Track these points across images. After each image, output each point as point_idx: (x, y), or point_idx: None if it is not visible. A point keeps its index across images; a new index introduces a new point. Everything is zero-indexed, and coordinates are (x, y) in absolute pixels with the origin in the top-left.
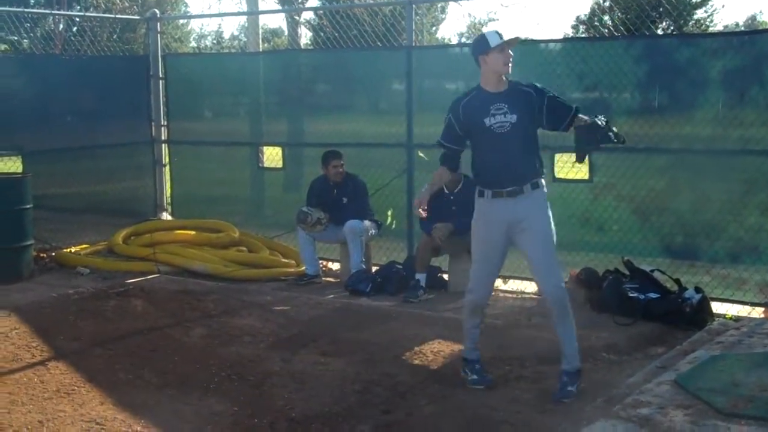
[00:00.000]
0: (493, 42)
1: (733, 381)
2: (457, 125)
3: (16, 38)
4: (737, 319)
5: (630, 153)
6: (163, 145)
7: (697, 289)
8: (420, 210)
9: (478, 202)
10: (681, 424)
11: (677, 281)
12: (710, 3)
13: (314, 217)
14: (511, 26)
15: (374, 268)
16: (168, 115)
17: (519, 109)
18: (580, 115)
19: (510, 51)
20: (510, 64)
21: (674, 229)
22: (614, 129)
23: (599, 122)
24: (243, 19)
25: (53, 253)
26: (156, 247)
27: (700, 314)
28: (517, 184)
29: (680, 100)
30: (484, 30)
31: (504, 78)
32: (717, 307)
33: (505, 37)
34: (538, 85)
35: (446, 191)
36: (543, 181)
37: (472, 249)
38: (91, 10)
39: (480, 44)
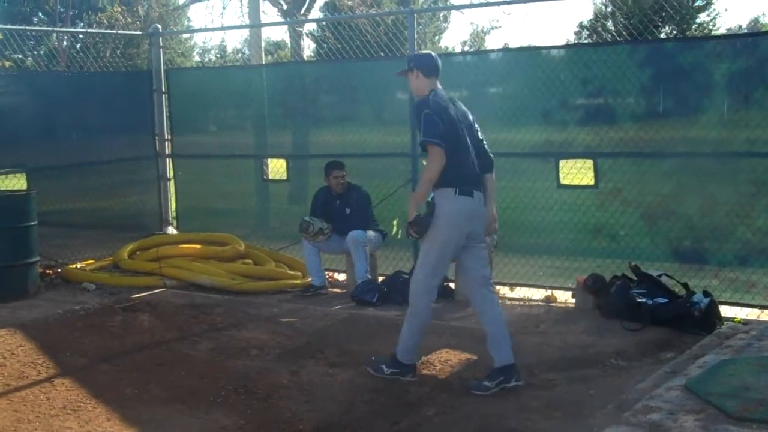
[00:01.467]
0: None
1: (744, 385)
2: None
3: (20, 56)
4: (746, 322)
5: (636, 158)
6: (168, 159)
7: (706, 293)
8: None
9: None
10: (692, 430)
11: (685, 285)
12: (713, 7)
13: (316, 226)
14: (514, 33)
15: (380, 278)
16: (172, 129)
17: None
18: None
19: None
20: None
21: (681, 233)
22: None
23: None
24: (246, 32)
25: (59, 270)
26: (162, 261)
27: (709, 318)
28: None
29: (685, 103)
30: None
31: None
32: (726, 311)
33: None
34: (425, 104)
35: None
36: (444, 191)
37: None
38: (94, 26)
39: None
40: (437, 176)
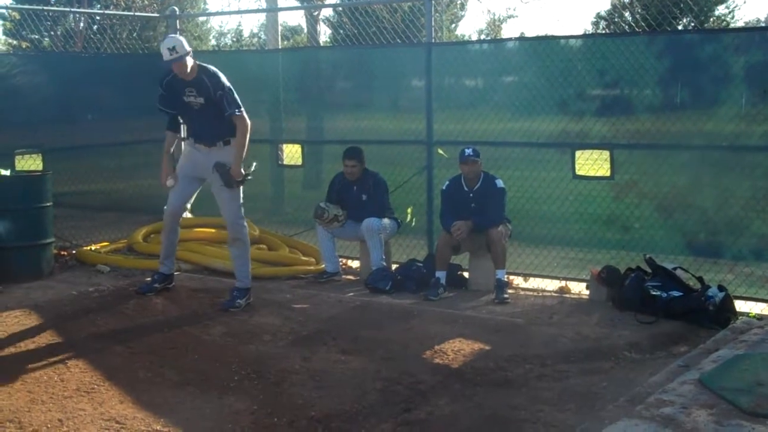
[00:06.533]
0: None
1: (758, 380)
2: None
3: (36, 37)
4: (761, 317)
5: (652, 150)
6: (183, 142)
7: (720, 287)
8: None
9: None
10: (705, 424)
11: (700, 279)
12: None
13: (331, 213)
14: (530, 23)
15: (394, 266)
16: None
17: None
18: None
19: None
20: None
21: (697, 226)
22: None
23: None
24: (262, 16)
25: (74, 251)
26: None
27: (724, 312)
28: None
29: (702, 96)
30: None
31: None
32: (740, 305)
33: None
34: (221, 79)
35: (466, 188)
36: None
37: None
38: (111, 8)
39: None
40: None
